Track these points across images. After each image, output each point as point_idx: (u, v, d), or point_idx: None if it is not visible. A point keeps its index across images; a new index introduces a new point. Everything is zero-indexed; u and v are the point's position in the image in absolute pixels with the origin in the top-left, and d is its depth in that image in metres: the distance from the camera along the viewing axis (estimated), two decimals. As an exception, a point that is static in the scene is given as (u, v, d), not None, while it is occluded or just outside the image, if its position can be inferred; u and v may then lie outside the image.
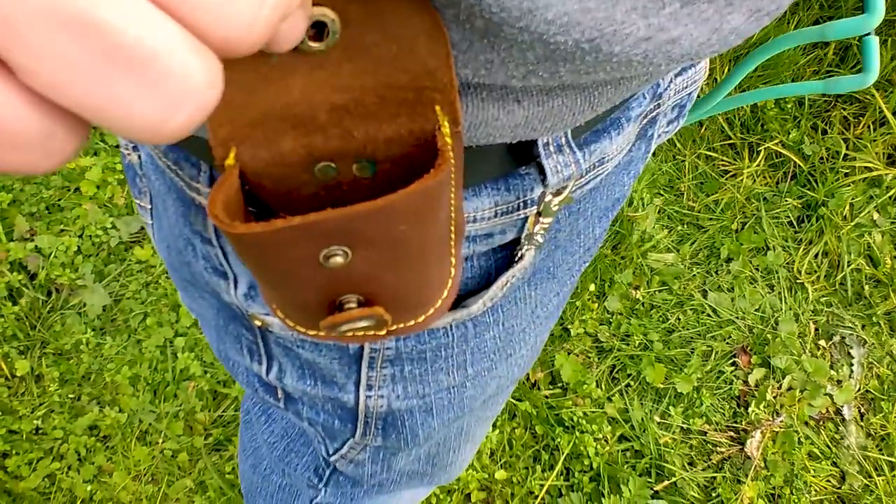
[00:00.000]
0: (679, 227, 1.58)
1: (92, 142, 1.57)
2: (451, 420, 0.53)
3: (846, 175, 1.62)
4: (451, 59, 0.26)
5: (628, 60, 0.27)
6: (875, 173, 1.60)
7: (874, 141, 1.64)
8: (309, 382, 0.48)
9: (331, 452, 0.58)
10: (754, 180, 1.63)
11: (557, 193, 0.37)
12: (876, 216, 1.60)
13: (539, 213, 0.38)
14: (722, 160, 1.64)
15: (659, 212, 1.59)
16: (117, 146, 1.58)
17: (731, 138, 1.65)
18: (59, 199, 1.51)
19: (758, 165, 1.64)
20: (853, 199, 1.60)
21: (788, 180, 1.64)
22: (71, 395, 1.38)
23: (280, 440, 0.73)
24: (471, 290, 0.42)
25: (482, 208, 0.36)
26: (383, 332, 0.35)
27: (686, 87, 0.47)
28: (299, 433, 0.71)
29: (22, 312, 1.42)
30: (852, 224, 1.58)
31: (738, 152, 1.65)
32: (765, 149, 1.64)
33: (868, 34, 0.49)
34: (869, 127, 1.66)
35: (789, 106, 1.67)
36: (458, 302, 0.42)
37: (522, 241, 0.40)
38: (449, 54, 0.26)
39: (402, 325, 0.35)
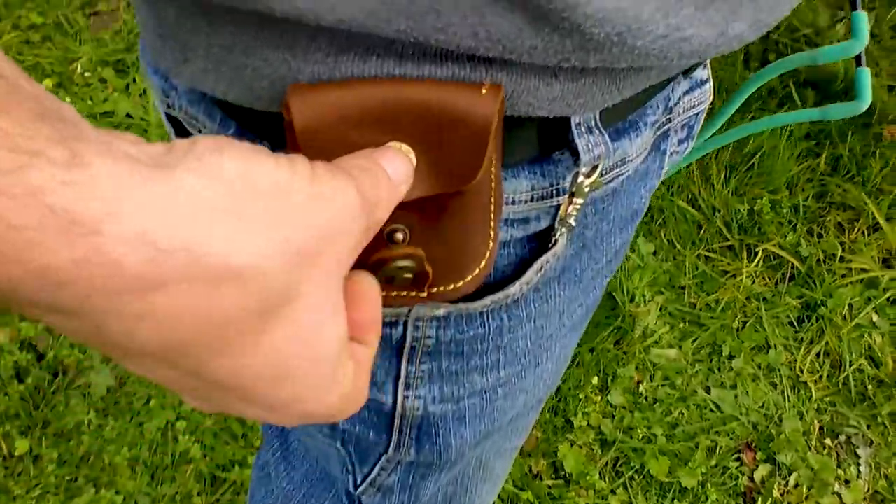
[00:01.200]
0: (681, 325, 1.60)
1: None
2: (481, 434, 0.54)
3: (843, 276, 1.65)
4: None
5: (647, 53, 0.33)
6: (871, 274, 1.64)
7: (868, 245, 1.69)
8: None
9: (359, 482, 0.58)
10: (753, 280, 1.66)
11: (588, 175, 0.40)
12: (875, 318, 1.62)
13: (572, 195, 0.41)
14: (721, 260, 1.68)
15: (660, 309, 1.62)
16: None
17: (728, 240, 1.70)
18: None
19: (756, 266, 1.67)
20: (851, 299, 1.62)
21: (787, 281, 1.67)
22: (68, 477, 1.36)
23: (300, 486, 0.72)
24: (508, 277, 0.44)
25: (520, 190, 0.39)
26: (425, 294, 0.37)
27: (694, 107, 0.51)
28: (321, 477, 0.71)
29: (27, 392, 1.43)
30: (852, 324, 1.60)
31: (736, 254, 1.69)
32: (762, 250, 1.68)
33: (861, 66, 0.54)
34: (863, 232, 1.71)
35: (784, 211, 1.73)
36: (497, 289, 0.44)
37: (556, 226, 0.42)
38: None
39: (441, 289, 0.37)
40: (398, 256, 0.34)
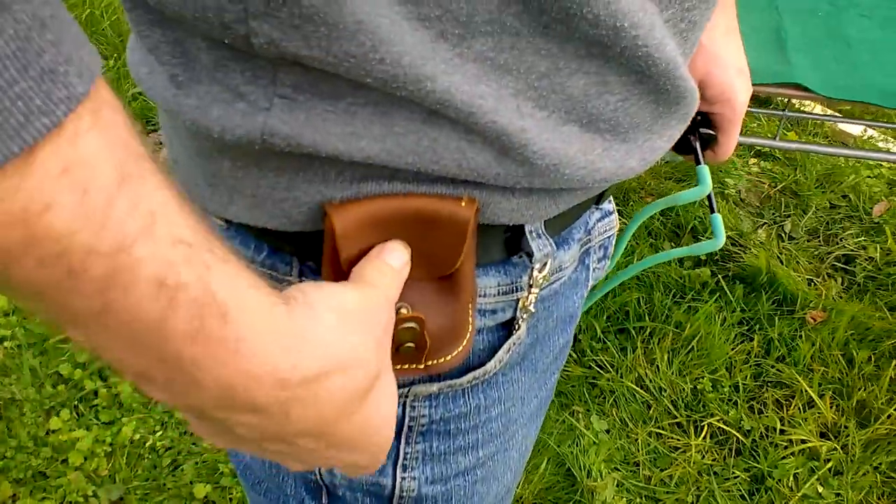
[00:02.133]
0: (638, 500, 1.66)
1: (87, 417, 1.69)
2: None
3: (786, 448, 1.75)
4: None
5: (572, 178, 0.46)
6: (811, 444, 1.74)
7: (806, 420, 1.80)
8: None
9: None
10: (703, 455, 1.75)
11: (541, 270, 0.53)
12: (820, 489, 1.71)
13: (531, 286, 0.53)
14: (671, 437, 1.78)
15: (617, 485, 1.68)
16: (109, 422, 1.69)
17: (676, 417, 1.81)
18: (46, 468, 1.59)
19: (704, 440, 1.77)
20: (796, 470, 1.71)
21: (734, 455, 1.76)
22: None
23: None
24: (483, 359, 0.55)
25: (490, 286, 0.51)
26: (422, 366, 0.48)
27: (606, 231, 0.65)
28: None
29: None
30: (799, 495, 1.68)
31: (684, 430, 1.80)
32: (708, 425, 1.79)
33: (714, 213, 0.71)
34: (800, 408, 1.84)
35: (725, 389, 1.86)
36: (476, 367, 0.55)
37: (518, 314, 0.54)
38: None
39: (435, 361, 0.49)
40: (405, 319, 0.46)
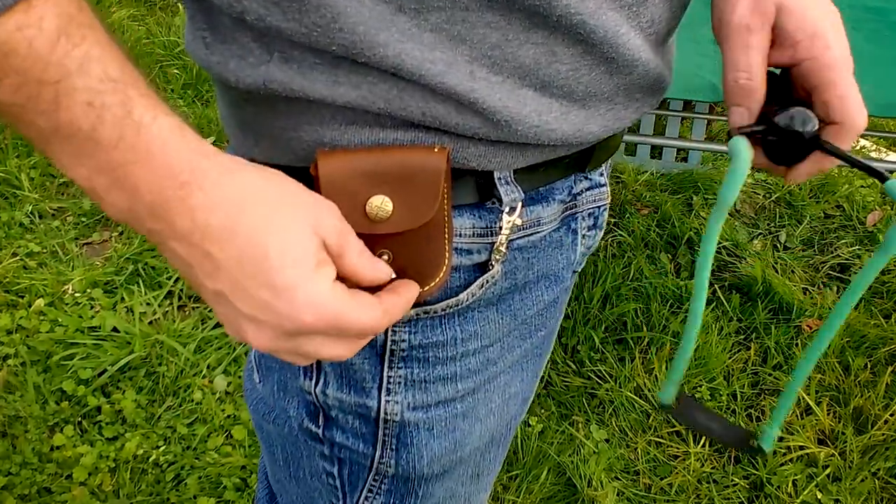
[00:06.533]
0: (638, 508, 1.68)
1: (90, 433, 1.70)
2: (447, 452, 0.66)
3: (784, 454, 1.76)
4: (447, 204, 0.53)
5: (527, 134, 0.53)
6: (809, 451, 1.75)
7: (804, 427, 1.82)
8: (345, 390, 0.62)
9: None
10: (702, 463, 1.77)
11: (510, 214, 0.58)
12: (819, 495, 1.72)
13: (501, 228, 0.58)
14: (670, 445, 1.79)
15: (618, 494, 1.70)
16: (113, 437, 1.71)
17: (675, 426, 1.82)
18: (51, 484, 1.60)
19: (702, 448, 1.79)
20: (794, 476, 1.73)
21: (733, 462, 1.78)
22: None
23: None
24: (458, 293, 0.59)
25: (465, 226, 0.56)
26: None
27: (595, 201, 0.68)
28: None
29: None
30: (798, 501, 1.69)
31: (683, 438, 1.81)
32: (706, 433, 1.80)
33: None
34: (798, 415, 1.86)
35: (723, 397, 1.87)
36: (451, 297, 0.59)
37: (492, 256, 0.59)
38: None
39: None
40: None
